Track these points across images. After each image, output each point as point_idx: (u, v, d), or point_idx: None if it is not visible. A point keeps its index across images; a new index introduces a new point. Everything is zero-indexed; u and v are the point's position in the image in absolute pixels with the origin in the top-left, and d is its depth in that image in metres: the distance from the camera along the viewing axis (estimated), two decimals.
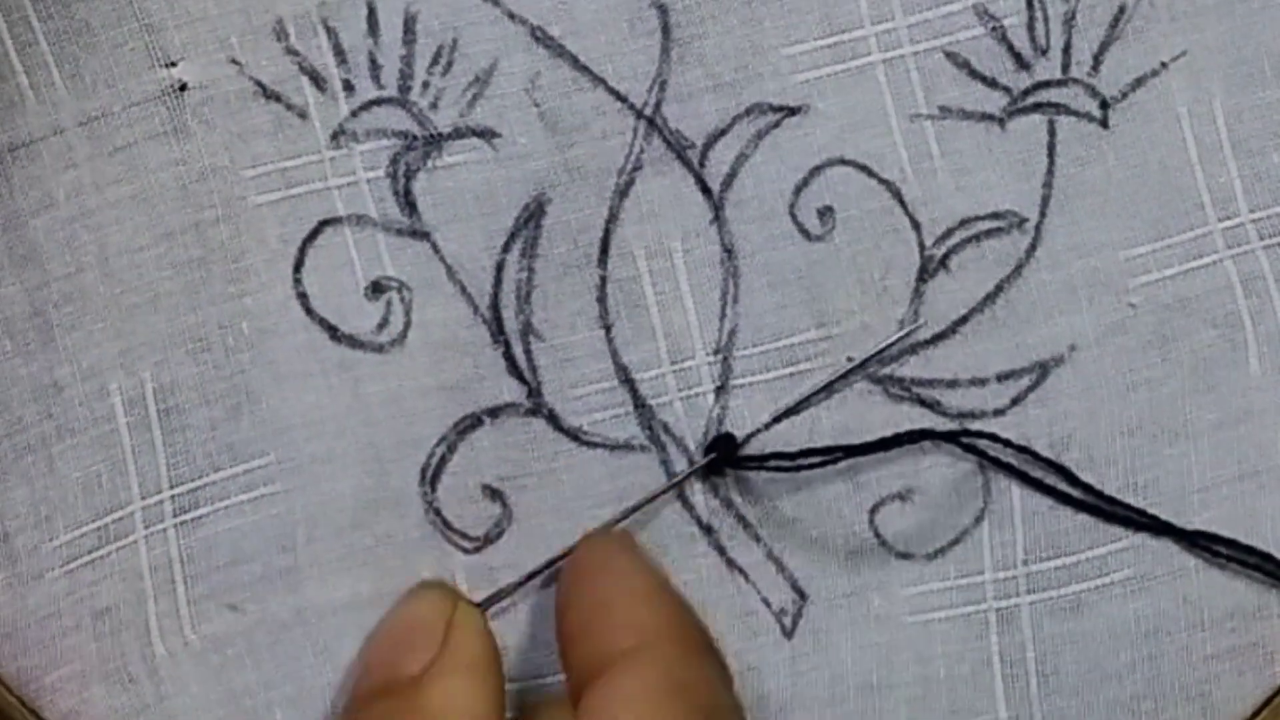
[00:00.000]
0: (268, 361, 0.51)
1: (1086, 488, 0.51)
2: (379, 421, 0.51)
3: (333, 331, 0.51)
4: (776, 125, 0.51)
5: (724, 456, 0.51)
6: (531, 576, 0.51)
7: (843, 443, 0.51)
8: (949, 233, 0.51)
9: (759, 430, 0.51)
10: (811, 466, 0.51)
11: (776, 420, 0.51)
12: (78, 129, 0.50)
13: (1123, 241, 0.51)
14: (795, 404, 0.51)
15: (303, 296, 0.51)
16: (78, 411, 0.50)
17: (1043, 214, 0.51)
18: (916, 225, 0.51)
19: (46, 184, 0.50)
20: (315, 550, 0.51)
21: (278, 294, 0.51)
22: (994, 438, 0.50)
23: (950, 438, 0.50)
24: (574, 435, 0.51)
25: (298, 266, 0.51)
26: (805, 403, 0.51)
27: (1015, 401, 0.51)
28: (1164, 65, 0.51)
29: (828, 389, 0.51)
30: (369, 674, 0.49)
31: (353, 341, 0.51)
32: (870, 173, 0.51)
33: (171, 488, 0.50)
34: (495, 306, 0.51)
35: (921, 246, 0.51)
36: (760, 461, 0.51)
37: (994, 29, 0.51)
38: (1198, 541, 0.51)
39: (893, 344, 0.51)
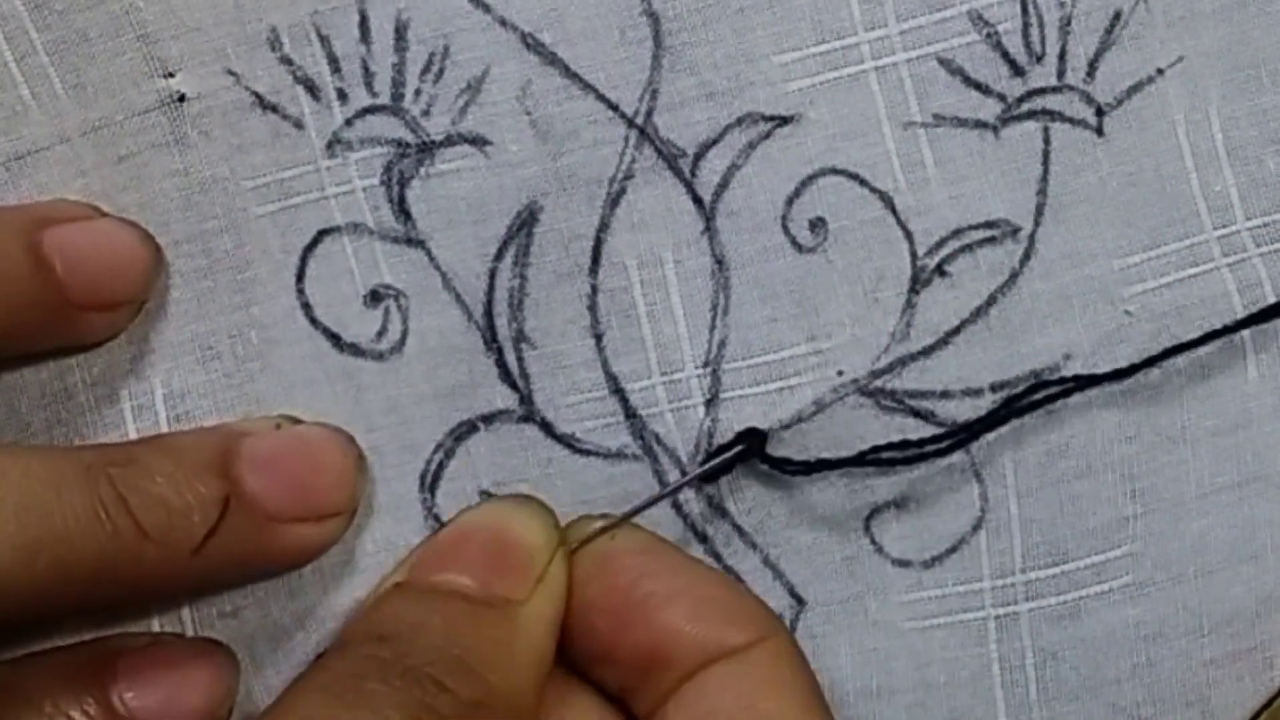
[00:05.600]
0: (276, 371, 0.49)
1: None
2: (380, 428, 0.49)
3: (336, 340, 0.49)
4: (768, 135, 0.48)
5: (753, 450, 0.49)
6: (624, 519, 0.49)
7: (833, 457, 0.49)
8: (942, 242, 0.49)
9: (786, 425, 0.49)
10: (834, 467, 0.49)
11: (801, 417, 0.49)
12: (82, 138, 0.49)
13: (1118, 250, 0.49)
14: (828, 402, 0.49)
15: (306, 306, 0.49)
16: (87, 418, 0.49)
17: (1037, 223, 0.49)
18: (909, 235, 0.49)
19: (56, 192, 0.49)
20: (319, 559, 0.49)
21: (283, 304, 0.49)
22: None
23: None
24: (567, 442, 0.49)
25: (300, 276, 0.49)
26: (834, 400, 0.49)
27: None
28: (1160, 72, 0.48)
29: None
30: (462, 573, 0.46)
31: (355, 350, 0.49)
32: (863, 182, 0.49)
33: None
34: (489, 314, 0.49)
35: (914, 257, 0.49)
36: (798, 465, 0.49)
37: (989, 35, 0.48)
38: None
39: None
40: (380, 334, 0.49)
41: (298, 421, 0.49)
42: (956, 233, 0.49)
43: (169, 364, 0.49)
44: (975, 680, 0.50)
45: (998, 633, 0.50)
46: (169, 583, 0.47)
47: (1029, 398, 0.49)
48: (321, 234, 0.49)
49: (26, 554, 0.44)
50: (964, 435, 0.48)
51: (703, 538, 0.50)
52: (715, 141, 0.49)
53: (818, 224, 0.49)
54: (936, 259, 0.49)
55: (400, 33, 0.49)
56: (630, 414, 0.49)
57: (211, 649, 0.49)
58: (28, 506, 0.44)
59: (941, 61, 0.49)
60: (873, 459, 0.49)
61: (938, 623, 0.50)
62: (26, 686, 0.47)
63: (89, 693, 0.47)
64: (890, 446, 0.48)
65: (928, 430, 0.49)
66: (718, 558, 0.50)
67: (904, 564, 0.50)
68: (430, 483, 0.49)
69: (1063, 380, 0.49)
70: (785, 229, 0.49)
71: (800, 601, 0.50)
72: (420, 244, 0.49)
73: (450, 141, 0.49)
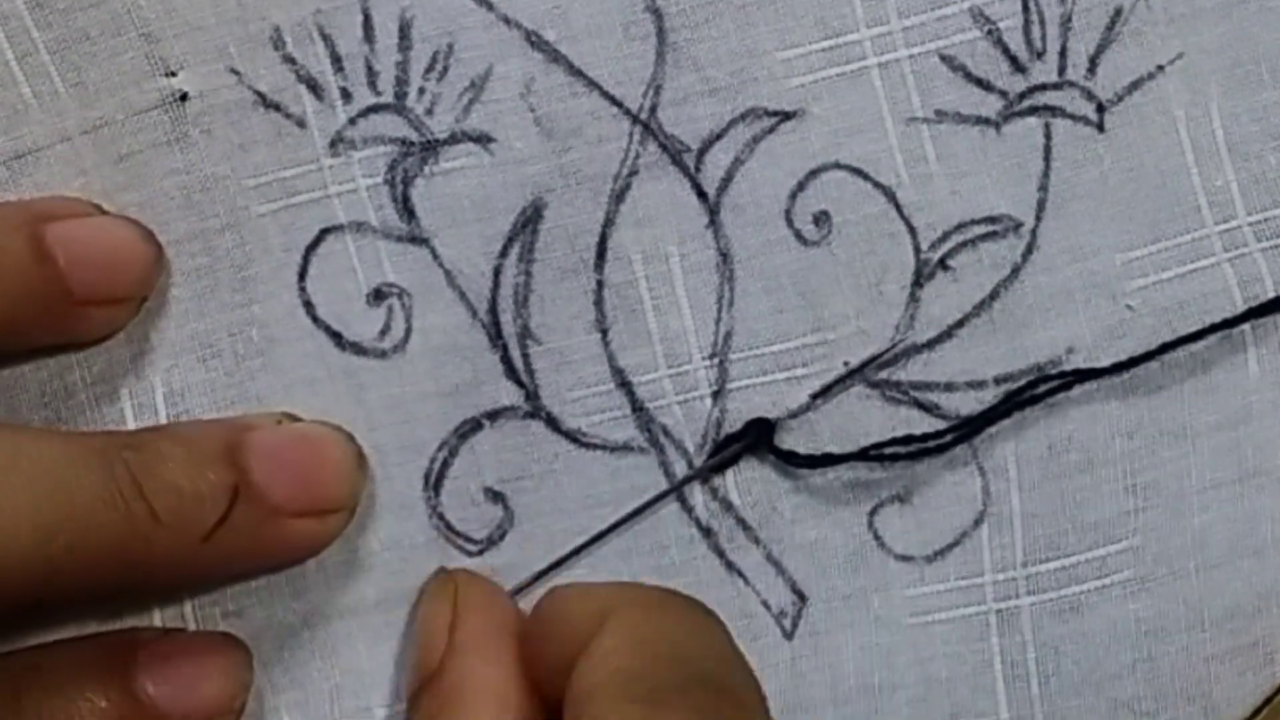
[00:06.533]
0: (277, 369, 0.49)
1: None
2: (382, 427, 0.49)
3: (338, 339, 0.49)
4: (772, 130, 0.49)
5: (761, 440, 0.49)
6: (541, 575, 0.49)
7: (839, 449, 0.49)
8: (945, 237, 0.49)
9: (796, 413, 0.49)
10: (840, 461, 0.49)
11: (810, 405, 0.50)
12: (83, 137, 0.48)
13: (1119, 245, 0.49)
14: (829, 386, 0.49)
15: (308, 305, 0.49)
16: (87, 416, 0.49)
17: (1039, 218, 0.49)
18: (912, 230, 0.49)
19: (56, 191, 0.48)
20: (321, 558, 0.49)
21: (284, 302, 0.49)
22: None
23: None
24: (573, 437, 0.49)
25: (302, 275, 0.49)
26: (838, 386, 0.50)
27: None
28: (1160, 68, 0.49)
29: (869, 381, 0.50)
30: (408, 679, 0.48)
31: (357, 349, 0.49)
32: (866, 177, 0.49)
33: None
34: (493, 311, 0.49)
35: (917, 251, 0.49)
36: (804, 458, 0.49)
37: (990, 32, 0.49)
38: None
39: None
40: (383, 332, 0.49)
41: (296, 419, 0.49)
42: (959, 227, 0.49)
43: (169, 362, 0.49)
44: (977, 675, 0.50)
45: (999, 627, 0.50)
46: (176, 571, 0.47)
47: (1030, 391, 0.49)
48: (324, 233, 0.49)
49: (46, 533, 0.44)
50: (967, 429, 0.49)
51: (707, 532, 0.50)
52: (719, 137, 0.49)
53: (821, 218, 0.49)
54: (939, 253, 0.49)
55: (404, 31, 0.49)
56: (637, 407, 0.49)
57: (226, 642, 0.49)
58: (47, 486, 0.44)
59: (943, 58, 0.49)
60: (876, 454, 0.49)
61: (940, 618, 0.50)
62: (54, 674, 0.47)
63: (112, 681, 0.47)
64: (895, 441, 0.49)
65: (932, 423, 0.49)
66: (721, 553, 0.50)
67: (907, 559, 0.50)
68: (435, 481, 0.49)
69: (1063, 374, 0.49)
70: (789, 223, 0.49)
71: (803, 598, 0.50)
72: (424, 242, 0.49)
73: (454, 139, 0.49)
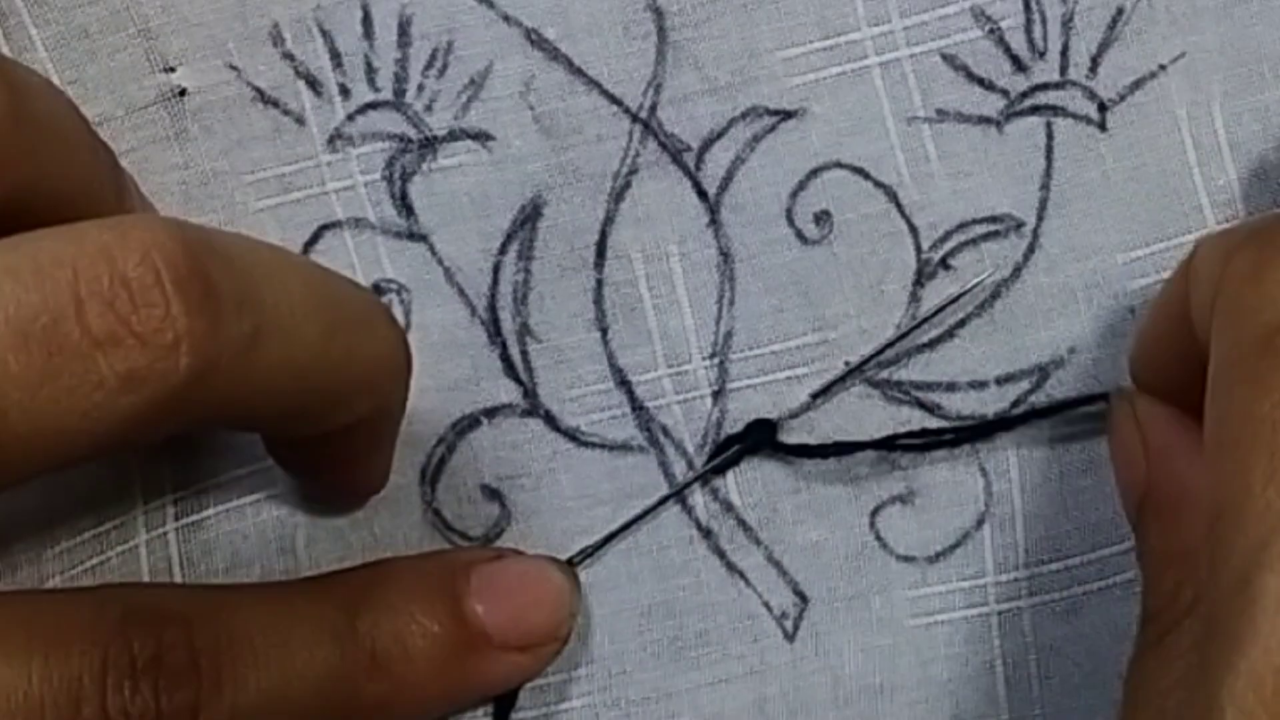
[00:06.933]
0: None
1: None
2: None
3: None
4: (772, 129, 0.49)
5: (764, 440, 0.49)
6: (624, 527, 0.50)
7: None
8: (946, 236, 0.49)
9: (796, 413, 0.49)
10: (844, 451, 0.49)
11: (810, 404, 0.50)
12: None
13: (1121, 244, 0.49)
14: (830, 384, 0.49)
15: None
16: None
17: (1040, 217, 0.49)
18: (913, 229, 0.49)
19: None
20: (314, 552, 0.49)
21: None
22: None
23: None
24: (571, 435, 0.49)
25: None
26: (839, 385, 0.50)
27: (1015, 404, 0.50)
28: (1162, 67, 0.49)
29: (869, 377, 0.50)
30: (1126, 507, 0.47)
31: None
32: (867, 176, 0.49)
33: (174, 491, 0.49)
34: (492, 308, 0.49)
35: (919, 250, 0.49)
36: (804, 449, 0.49)
37: (991, 31, 0.49)
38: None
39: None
40: None
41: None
42: (961, 226, 0.49)
43: None
44: (978, 677, 0.50)
45: (1000, 629, 0.50)
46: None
47: (1048, 406, 0.49)
48: (322, 229, 0.49)
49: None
50: (975, 436, 0.49)
51: (706, 533, 0.50)
52: (719, 135, 0.49)
53: (822, 217, 0.49)
54: (941, 252, 0.49)
55: (403, 28, 0.49)
56: (637, 406, 0.49)
57: (555, 568, 0.49)
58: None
59: (945, 57, 0.49)
60: (886, 444, 0.49)
61: (942, 619, 0.50)
62: (388, 595, 0.47)
63: (444, 603, 0.47)
64: (903, 436, 0.49)
65: (933, 423, 0.49)
66: (721, 554, 0.50)
67: (909, 560, 0.50)
68: (431, 477, 0.50)
69: (1081, 399, 0.49)
70: (790, 222, 0.49)
71: (804, 599, 0.50)
72: (423, 238, 0.49)
73: (453, 136, 0.49)
